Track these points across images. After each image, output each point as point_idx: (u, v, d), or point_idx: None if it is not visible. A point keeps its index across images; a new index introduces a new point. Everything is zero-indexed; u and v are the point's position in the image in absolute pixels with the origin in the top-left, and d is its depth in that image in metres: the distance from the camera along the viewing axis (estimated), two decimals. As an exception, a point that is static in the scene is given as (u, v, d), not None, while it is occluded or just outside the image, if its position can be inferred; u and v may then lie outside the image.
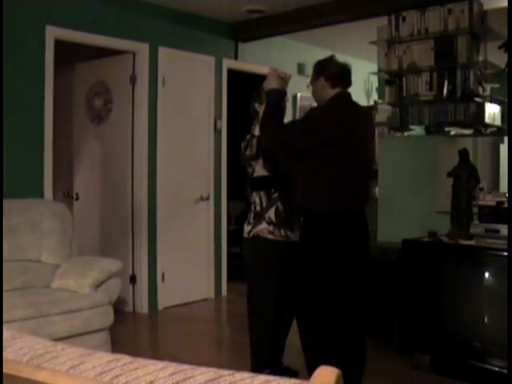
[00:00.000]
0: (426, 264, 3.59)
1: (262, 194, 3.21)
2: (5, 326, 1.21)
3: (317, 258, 2.84)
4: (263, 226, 3.17)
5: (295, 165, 3.00)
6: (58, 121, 4.58)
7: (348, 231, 2.86)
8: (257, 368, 3.14)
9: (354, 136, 2.93)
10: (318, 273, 2.83)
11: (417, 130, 4.36)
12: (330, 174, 2.85)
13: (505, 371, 3.11)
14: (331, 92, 2.98)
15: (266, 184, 3.23)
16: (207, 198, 5.39)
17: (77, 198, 5.35)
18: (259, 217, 3.19)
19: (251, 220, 3.23)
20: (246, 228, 3.25)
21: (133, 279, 5.00)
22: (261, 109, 3.18)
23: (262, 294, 3.20)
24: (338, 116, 2.92)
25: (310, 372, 2.53)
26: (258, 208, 3.21)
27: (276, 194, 3.19)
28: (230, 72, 5.68)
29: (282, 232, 3.17)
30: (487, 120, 4.03)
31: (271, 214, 3.17)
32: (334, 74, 2.98)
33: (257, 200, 3.22)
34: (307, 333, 2.94)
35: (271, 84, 3.02)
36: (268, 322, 3.19)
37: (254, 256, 3.23)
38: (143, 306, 4.99)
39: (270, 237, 3.16)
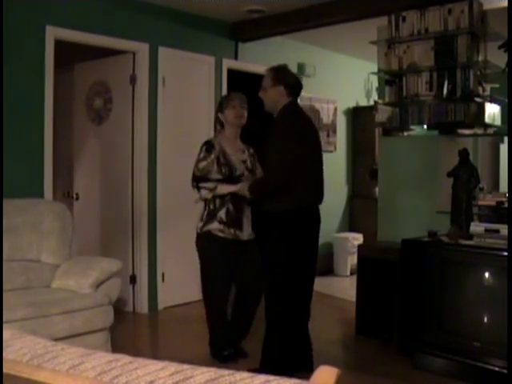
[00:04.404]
0: (425, 264, 3.58)
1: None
2: (5, 326, 1.21)
3: (281, 244, 3.24)
4: (215, 224, 3.55)
5: None
6: (58, 121, 4.58)
7: (303, 224, 3.27)
8: (216, 349, 3.69)
9: (311, 142, 3.34)
10: (283, 256, 3.24)
11: (417, 130, 4.36)
12: (296, 179, 3.19)
13: (505, 371, 3.12)
14: (285, 100, 3.31)
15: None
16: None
17: (77, 198, 5.35)
18: (212, 215, 3.57)
19: (204, 217, 3.62)
20: (199, 224, 3.64)
21: (133, 279, 5.00)
22: (222, 117, 3.71)
23: (213, 283, 3.64)
24: (300, 124, 3.29)
25: (266, 341, 3.23)
26: (212, 207, 3.58)
27: (228, 196, 3.54)
28: (230, 72, 5.68)
29: (232, 231, 3.55)
30: (487, 120, 4.03)
31: (222, 214, 3.55)
32: (293, 84, 3.35)
33: (211, 199, 3.59)
34: (272, 308, 3.29)
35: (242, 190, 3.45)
36: (217, 308, 3.66)
37: (206, 250, 3.63)
38: (143, 306, 4.99)
39: (220, 234, 3.55)
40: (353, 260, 6.33)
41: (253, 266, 3.70)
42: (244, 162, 3.68)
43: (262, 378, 0.84)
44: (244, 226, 3.61)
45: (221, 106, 3.77)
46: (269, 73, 3.41)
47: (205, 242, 3.62)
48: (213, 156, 3.59)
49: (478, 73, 4.00)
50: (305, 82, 6.58)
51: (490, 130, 4.16)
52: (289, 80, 3.35)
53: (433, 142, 4.28)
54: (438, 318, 3.51)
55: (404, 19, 4.21)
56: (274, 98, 3.35)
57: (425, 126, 4.25)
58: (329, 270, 6.69)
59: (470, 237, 3.58)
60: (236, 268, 3.68)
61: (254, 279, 3.69)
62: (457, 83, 3.98)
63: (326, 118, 6.86)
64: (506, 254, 3.20)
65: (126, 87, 4.99)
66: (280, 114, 3.34)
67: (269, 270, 3.32)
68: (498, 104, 4.11)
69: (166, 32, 5.09)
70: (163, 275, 5.10)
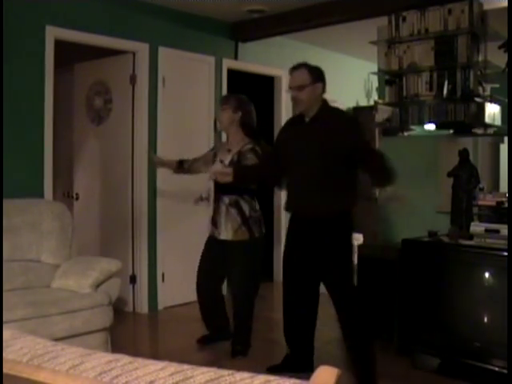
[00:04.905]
0: (425, 264, 3.58)
1: None
2: (5, 326, 1.21)
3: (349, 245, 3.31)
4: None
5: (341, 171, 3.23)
6: (58, 121, 4.58)
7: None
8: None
9: None
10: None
11: (417, 130, 4.36)
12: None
13: (505, 371, 3.12)
14: (321, 98, 3.25)
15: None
16: (207, 198, 5.38)
17: (77, 198, 5.35)
18: None
19: None
20: None
21: (133, 279, 5.00)
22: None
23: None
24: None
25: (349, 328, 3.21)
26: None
27: (215, 197, 3.91)
28: (230, 72, 5.68)
29: (211, 228, 3.92)
30: (487, 120, 4.03)
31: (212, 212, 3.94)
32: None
33: None
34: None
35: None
36: (198, 295, 4.10)
37: None
38: (143, 306, 4.99)
39: (208, 230, 3.99)
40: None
41: (230, 266, 3.88)
42: (221, 162, 3.86)
43: (262, 378, 0.84)
44: (218, 225, 3.82)
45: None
46: (302, 70, 3.21)
47: None
48: (207, 155, 4.05)
49: (478, 73, 4.00)
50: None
51: (490, 130, 4.16)
52: (324, 77, 3.27)
53: (433, 142, 4.28)
54: (438, 318, 3.51)
55: (404, 19, 4.21)
56: (313, 95, 3.20)
57: (432, 126, 4.23)
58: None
59: (470, 237, 3.58)
60: (224, 267, 3.93)
61: (232, 279, 3.98)
62: (457, 83, 3.98)
63: (325, 118, 6.85)
64: (506, 254, 3.20)
65: (126, 87, 4.99)
66: (330, 112, 3.30)
67: (346, 275, 3.29)
68: (498, 104, 4.11)
69: (166, 32, 5.08)
70: (163, 275, 5.10)
